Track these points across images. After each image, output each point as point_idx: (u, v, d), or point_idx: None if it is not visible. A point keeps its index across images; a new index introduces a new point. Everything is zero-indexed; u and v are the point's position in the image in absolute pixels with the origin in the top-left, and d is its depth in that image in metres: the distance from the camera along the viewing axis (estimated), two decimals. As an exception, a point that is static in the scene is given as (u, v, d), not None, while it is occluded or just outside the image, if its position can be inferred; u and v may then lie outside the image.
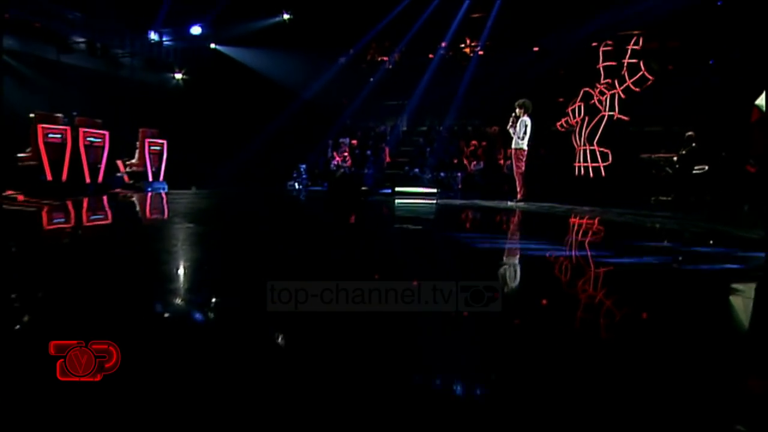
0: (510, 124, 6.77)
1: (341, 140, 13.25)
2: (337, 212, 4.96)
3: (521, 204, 6.58)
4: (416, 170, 11.96)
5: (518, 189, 6.83)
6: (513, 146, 6.86)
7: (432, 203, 6.73)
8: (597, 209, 6.09)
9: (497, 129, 12.93)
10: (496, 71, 12.43)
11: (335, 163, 12.71)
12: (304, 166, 12.36)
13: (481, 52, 13.06)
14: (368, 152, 12.85)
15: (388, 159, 12.86)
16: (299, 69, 13.16)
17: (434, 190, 8.30)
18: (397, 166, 12.36)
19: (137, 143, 9.29)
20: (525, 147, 6.76)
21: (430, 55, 13.58)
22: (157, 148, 9.42)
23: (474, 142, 12.67)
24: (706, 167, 8.61)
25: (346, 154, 12.91)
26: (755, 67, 8.68)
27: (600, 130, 10.05)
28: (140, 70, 11.87)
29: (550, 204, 6.70)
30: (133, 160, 9.20)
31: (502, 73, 12.33)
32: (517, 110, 6.80)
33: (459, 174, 11.74)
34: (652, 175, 9.17)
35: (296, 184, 11.94)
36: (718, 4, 9.68)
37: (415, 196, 7.84)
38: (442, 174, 11.74)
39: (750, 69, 8.82)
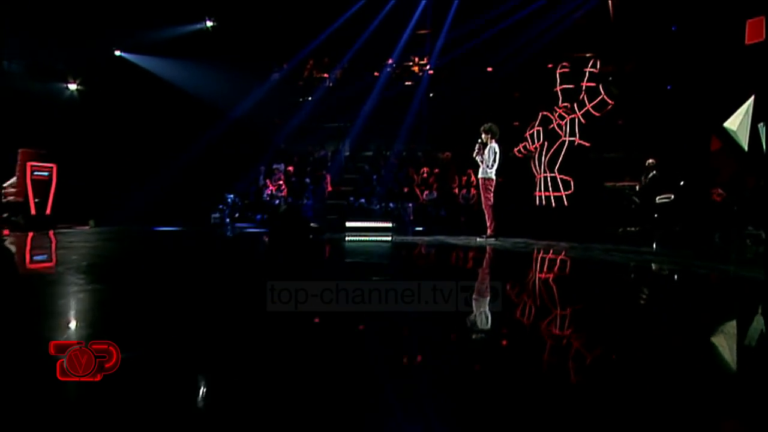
0: (476, 151, 6.75)
1: (275, 166, 12.71)
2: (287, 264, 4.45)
3: (492, 240, 6.53)
4: (362, 201, 11.83)
5: (488, 223, 6.80)
6: (480, 175, 6.85)
7: (388, 240, 6.64)
8: (576, 245, 6.22)
9: (450, 155, 13.22)
10: (448, 92, 12.75)
11: (269, 192, 12.09)
12: (231, 196, 11.58)
13: (431, 72, 13.23)
14: (307, 180, 12.41)
15: (329, 188, 12.59)
16: (225, 84, 12.53)
17: (389, 225, 8.17)
18: (341, 196, 12.21)
19: (16, 167, 8.13)
20: (494, 176, 6.73)
21: (376, 73, 13.48)
22: (44, 173, 8.39)
23: (425, 169, 12.69)
24: (672, 196, 9.12)
25: (281, 182, 12.35)
26: (711, 93, 9.45)
27: (561, 157, 10.37)
28: (21, 77, 10.62)
29: (524, 240, 6.74)
30: (10, 188, 8.00)
31: (455, 95, 12.68)
32: (483, 136, 6.81)
33: (410, 205, 11.63)
34: (617, 205, 9.63)
35: (219, 216, 11.04)
36: (673, 29, 10.37)
37: (368, 233, 7.51)
38: (391, 205, 11.63)
39: (707, 95, 9.60)
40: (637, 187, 9.53)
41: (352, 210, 11.43)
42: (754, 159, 8.09)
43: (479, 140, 6.85)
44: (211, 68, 12.54)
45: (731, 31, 9.51)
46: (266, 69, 13.86)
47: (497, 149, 6.81)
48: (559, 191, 10.49)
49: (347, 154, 13.95)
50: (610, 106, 9.82)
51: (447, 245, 6.17)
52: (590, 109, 10.04)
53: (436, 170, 12.59)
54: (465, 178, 12.30)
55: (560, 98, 10.63)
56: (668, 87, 10.67)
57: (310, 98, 13.76)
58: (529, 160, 10.80)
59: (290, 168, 12.88)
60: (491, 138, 6.86)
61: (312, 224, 6.23)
